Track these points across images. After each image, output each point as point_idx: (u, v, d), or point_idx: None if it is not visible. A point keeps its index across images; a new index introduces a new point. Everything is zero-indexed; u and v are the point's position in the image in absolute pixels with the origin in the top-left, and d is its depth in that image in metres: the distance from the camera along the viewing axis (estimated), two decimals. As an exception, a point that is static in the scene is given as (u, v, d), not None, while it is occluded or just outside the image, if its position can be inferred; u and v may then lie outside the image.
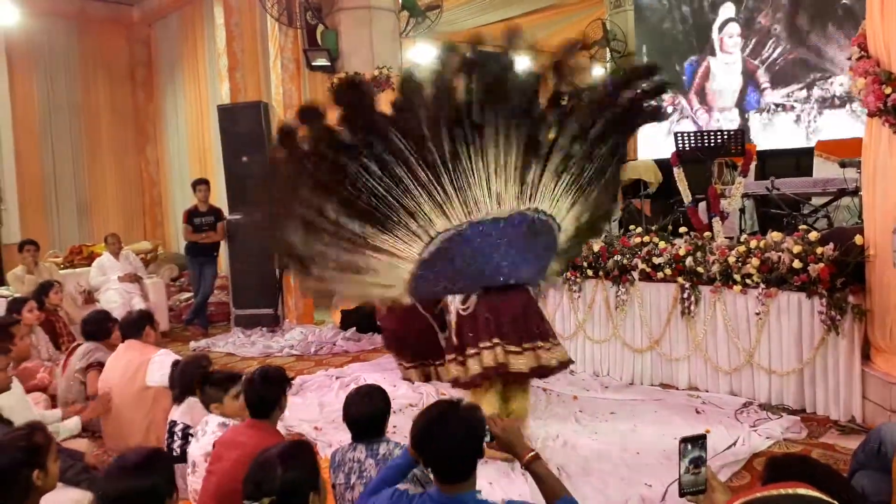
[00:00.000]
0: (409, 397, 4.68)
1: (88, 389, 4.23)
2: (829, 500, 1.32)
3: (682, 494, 1.91)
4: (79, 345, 4.48)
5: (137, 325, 4.08)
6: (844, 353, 3.94)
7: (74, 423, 3.68)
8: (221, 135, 7.47)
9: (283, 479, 1.84)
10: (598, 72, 12.68)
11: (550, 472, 2.15)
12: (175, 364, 3.65)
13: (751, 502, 1.36)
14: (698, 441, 1.91)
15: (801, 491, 1.34)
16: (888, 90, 3.52)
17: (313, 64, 7.15)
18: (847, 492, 1.56)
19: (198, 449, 2.92)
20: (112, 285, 6.97)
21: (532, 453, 2.14)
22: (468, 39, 3.35)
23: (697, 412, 4.18)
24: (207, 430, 2.96)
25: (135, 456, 1.94)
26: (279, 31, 7.44)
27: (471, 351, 3.44)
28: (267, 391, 2.71)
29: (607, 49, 10.93)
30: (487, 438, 2.12)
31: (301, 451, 2.01)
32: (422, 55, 9.98)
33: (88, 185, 10.57)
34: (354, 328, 6.73)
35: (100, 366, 4.19)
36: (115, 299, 6.83)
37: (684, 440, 1.90)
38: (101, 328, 4.46)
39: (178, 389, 3.46)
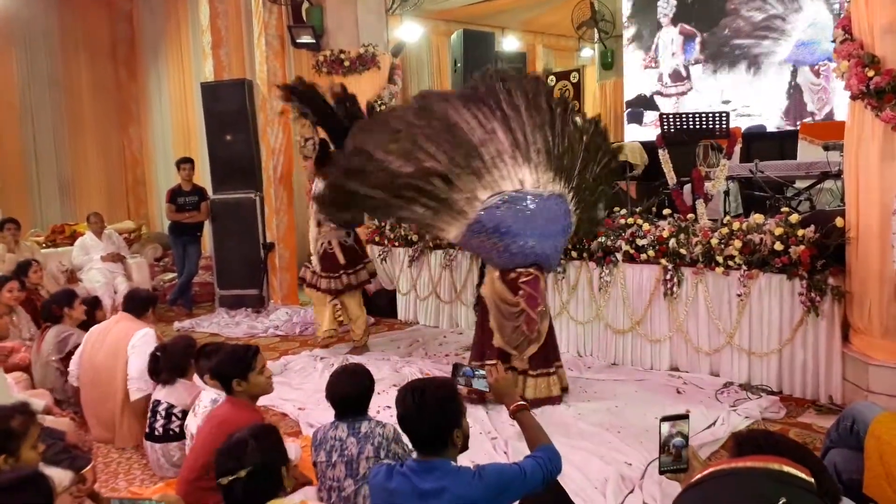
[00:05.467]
0: (392, 378, 4.69)
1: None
2: (805, 477, 1.32)
3: (661, 472, 1.94)
4: (48, 327, 4.25)
5: (142, 305, 4.00)
6: (824, 334, 3.99)
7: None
8: (205, 113, 7.39)
9: (256, 453, 1.96)
10: (587, 53, 12.67)
11: (535, 423, 2.31)
12: (161, 348, 3.60)
13: (722, 472, 1.36)
14: (679, 420, 1.93)
15: (773, 466, 1.35)
16: (871, 73, 3.53)
17: (298, 41, 7.06)
18: (815, 465, 1.56)
19: (193, 425, 3.06)
20: (95, 265, 6.93)
21: (520, 403, 2.31)
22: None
23: (678, 392, 4.23)
24: (200, 406, 3.10)
25: (11, 476, 1.86)
26: (263, 7, 7.33)
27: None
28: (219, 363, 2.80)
29: (595, 30, 10.88)
30: (484, 386, 2.45)
31: (268, 430, 2.14)
32: (408, 33, 9.87)
33: (70, 163, 10.38)
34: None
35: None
36: (98, 279, 6.80)
37: (665, 419, 1.92)
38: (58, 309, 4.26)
39: (164, 372, 3.45)
